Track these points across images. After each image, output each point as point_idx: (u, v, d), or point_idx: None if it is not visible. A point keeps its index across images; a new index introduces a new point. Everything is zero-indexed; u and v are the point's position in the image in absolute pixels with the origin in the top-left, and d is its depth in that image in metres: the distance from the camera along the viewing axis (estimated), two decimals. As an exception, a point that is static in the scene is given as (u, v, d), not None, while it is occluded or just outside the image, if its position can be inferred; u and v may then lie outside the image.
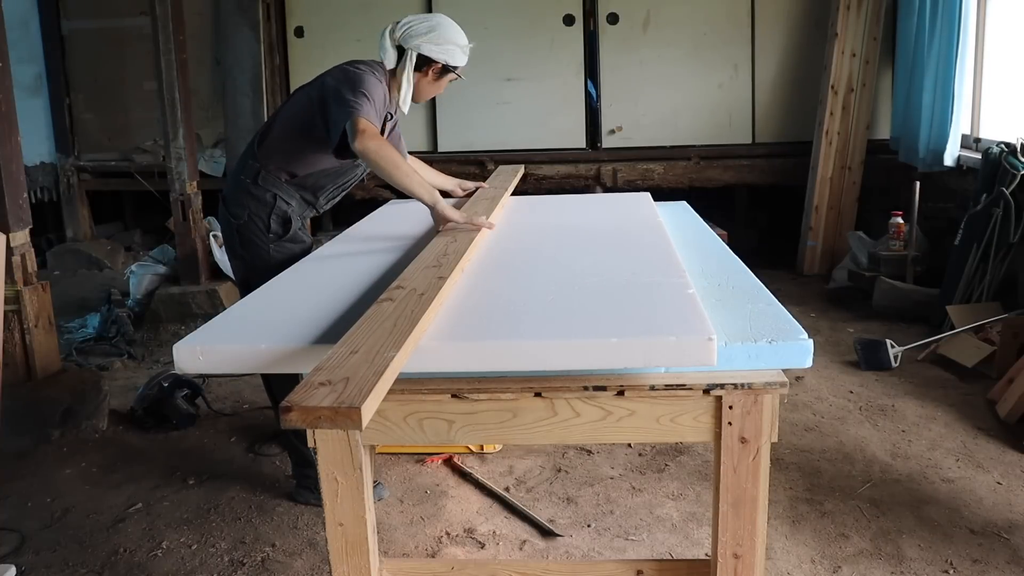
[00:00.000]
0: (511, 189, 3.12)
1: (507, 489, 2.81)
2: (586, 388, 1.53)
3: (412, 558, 2.41)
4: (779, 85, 5.83)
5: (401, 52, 2.61)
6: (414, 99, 2.70)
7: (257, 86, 5.87)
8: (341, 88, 2.46)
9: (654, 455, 3.02)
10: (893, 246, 4.77)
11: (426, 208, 2.36)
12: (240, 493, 2.85)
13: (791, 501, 2.68)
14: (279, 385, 2.65)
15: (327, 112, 2.51)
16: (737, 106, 5.88)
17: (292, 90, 5.98)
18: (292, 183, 2.62)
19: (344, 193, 2.79)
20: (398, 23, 2.61)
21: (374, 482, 2.81)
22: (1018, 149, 3.96)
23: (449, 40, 2.60)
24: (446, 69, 2.64)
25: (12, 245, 3.27)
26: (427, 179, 2.99)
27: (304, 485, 2.76)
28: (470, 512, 2.69)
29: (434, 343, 1.45)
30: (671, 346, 1.41)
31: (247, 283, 2.55)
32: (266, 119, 5.81)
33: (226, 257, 4.89)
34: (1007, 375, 3.33)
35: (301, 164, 2.62)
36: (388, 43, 2.61)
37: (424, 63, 2.61)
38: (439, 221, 2.33)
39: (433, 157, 5.99)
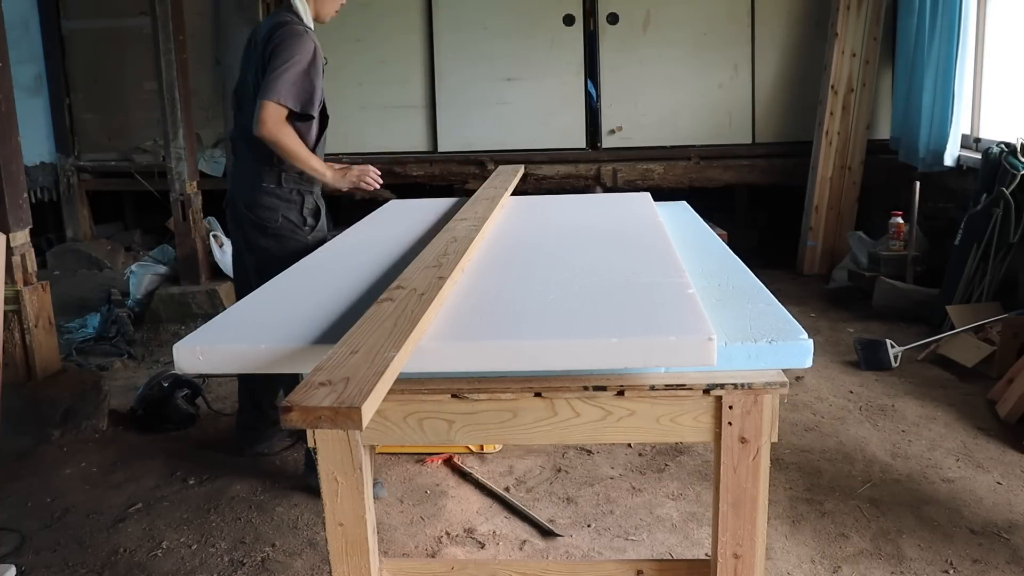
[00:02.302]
0: (511, 189, 3.12)
1: (507, 489, 2.81)
2: (586, 388, 1.53)
3: (412, 558, 2.41)
4: (779, 85, 5.83)
5: None
6: (319, 18, 2.86)
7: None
8: (273, 60, 2.59)
9: (654, 455, 3.02)
10: (893, 246, 4.78)
11: (426, 208, 2.41)
12: (240, 493, 2.85)
13: (791, 501, 2.68)
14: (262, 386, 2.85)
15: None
16: (737, 106, 5.88)
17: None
18: (303, 174, 2.74)
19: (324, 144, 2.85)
20: None
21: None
22: (1018, 149, 3.96)
23: None
24: None
25: (12, 245, 3.27)
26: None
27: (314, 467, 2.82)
28: (470, 512, 2.69)
29: (434, 343, 1.45)
30: (671, 346, 1.41)
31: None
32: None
33: (226, 257, 4.93)
34: (1007, 375, 3.33)
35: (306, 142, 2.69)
36: None
37: None
38: (340, 185, 2.75)
39: (433, 157, 5.99)
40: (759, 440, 1.54)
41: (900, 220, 4.77)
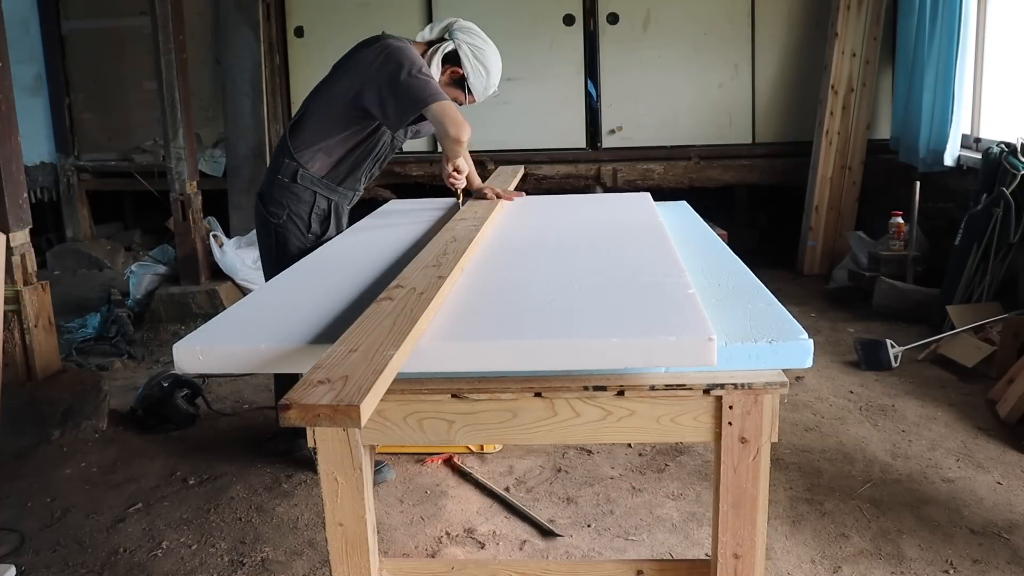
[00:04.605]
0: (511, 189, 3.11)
1: (507, 489, 2.81)
2: (586, 388, 1.53)
3: (412, 558, 2.41)
4: (779, 85, 5.83)
5: (440, 42, 2.69)
6: None
7: (257, 86, 5.87)
8: (402, 68, 2.49)
9: (654, 455, 3.02)
10: (893, 246, 4.77)
11: (426, 208, 2.41)
12: (240, 493, 2.85)
13: (791, 501, 2.68)
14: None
15: (393, 92, 2.50)
16: (737, 106, 5.88)
17: (291, 87, 6.05)
18: (330, 176, 2.67)
19: (383, 164, 2.83)
20: (461, 21, 2.74)
21: (380, 463, 2.87)
22: (1018, 149, 3.96)
23: (485, 63, 2.68)
24: (462, 81, 2.69)
25: (12, 245, 3.26)
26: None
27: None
28: (470, 512, 2.69)
29: (434, 343, 1.45)
30: (671, 346, 1.41)
31: None
32: (265, 116, 5.85)
33: (226, 257, 4.93)
34: (1007, 375, 3.33)
35: (336, 153, 2.65)
36: (438, 28, 2.72)
37: (450, 60, 2.67)
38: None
39: (433, 157, 5.99)
40: (759, 440, 1.53)
41: (900, 220, 4.77)
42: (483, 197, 2.84)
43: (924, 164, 4.80)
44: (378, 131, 2.67)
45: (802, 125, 5.71)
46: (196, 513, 2.74)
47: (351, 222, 2.83)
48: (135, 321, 4.75)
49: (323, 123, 2.62)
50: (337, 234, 2.72)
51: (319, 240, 2.65)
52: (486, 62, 2.68)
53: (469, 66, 2.66)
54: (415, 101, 2.47)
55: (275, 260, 2.68)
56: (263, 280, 3.32)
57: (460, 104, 2.72)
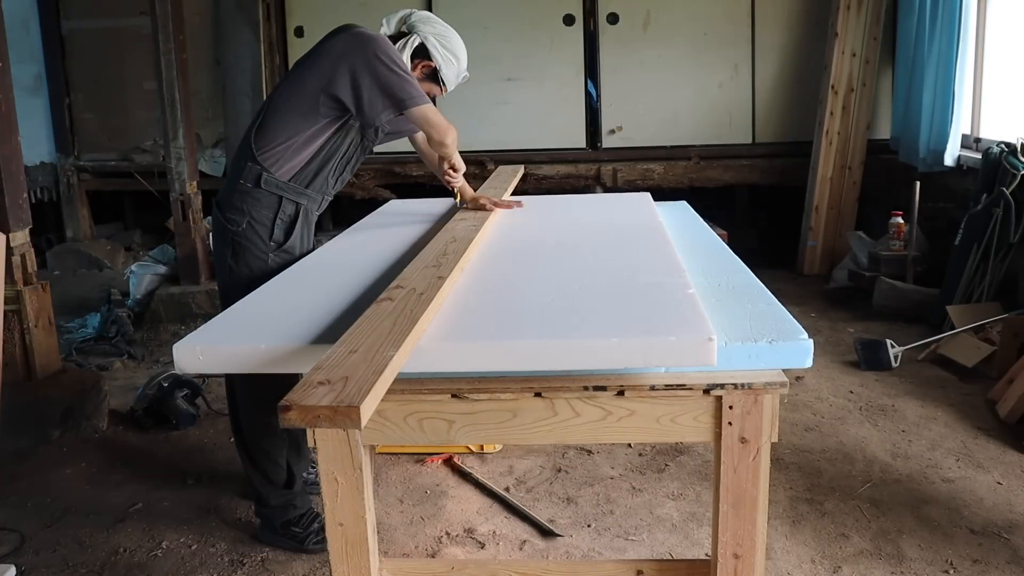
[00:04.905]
0: (511, 189, 3.12)
1: (507, 489, 2.81)
2: (586, 388, 1.53)
3: (412, 558, 2.41)
4: (779, 85, 5.83)
5: (401, 36, 2.56)
6: None
7: (257, 86, 5.87)
8: (378, 58, 2.37)
9: (654, 455, 3.02)
10: (893, 246, 4.77)
11: (426, 208, 2.39)
12: (240, 493, 2.85)
13: (791, 501, 2.68)
14: (252, 394, 2.49)
15: (368, 84, 2.37)
16: (737, 106, 5.88)
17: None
18: (296, 179, 2.43)
19: (353, 167, 2.60)
20: (417, 12, 2.60)
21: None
22: (1018, 149, 3.96)
23: (453, 51, 2.57)
24: (434, 74, 2.58)
25: (12, 245, 3.26)
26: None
27: (265, 525, 2.58)
28: (470, 512, 2.69)
29: (434, 343, 1.45)
30: (671, 346, 1.41)
31: (230, 298, 2.23)
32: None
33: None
34: (1007, 375, 3.33)
35: (302, 152, 2.43)
36: (395, 21, 2.60)
37: (419, 55, 2.55)
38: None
39: (433, 157, 5.99)
40: (759, 440, 1.54)
41: (900, 220, 4.77)
42: (480, 207, 2.69)
43: (924, 164, 4.80)
44: (345, 125, 2.46)
45: (802, 125, 5.71)
46: (196, 513, 2.74)
47: (352, 222, 2.82)
48: (135, 321, 4.75)
49: (288, 120, 2.41)
50: (306, 241, 2.52)
51: (280, 249, 2.43)
52: (454, 50, 2.57)
53: (440, 57, 2.55)
54: (396, 101, 2.37)
55: (229, 271, 2.44)
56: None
57: (436, 97, 2.62)
